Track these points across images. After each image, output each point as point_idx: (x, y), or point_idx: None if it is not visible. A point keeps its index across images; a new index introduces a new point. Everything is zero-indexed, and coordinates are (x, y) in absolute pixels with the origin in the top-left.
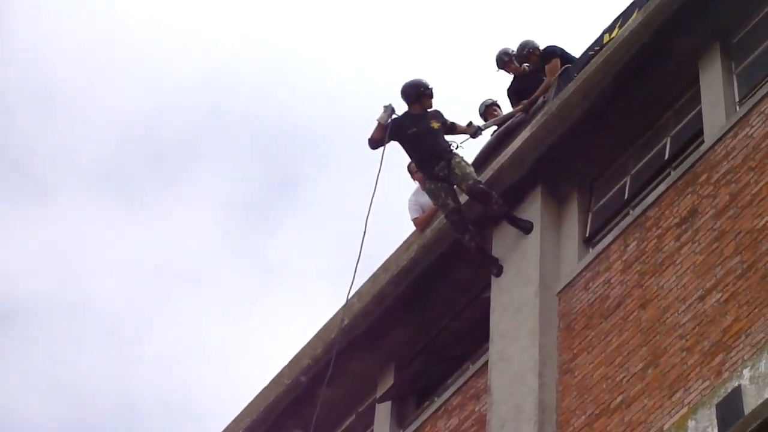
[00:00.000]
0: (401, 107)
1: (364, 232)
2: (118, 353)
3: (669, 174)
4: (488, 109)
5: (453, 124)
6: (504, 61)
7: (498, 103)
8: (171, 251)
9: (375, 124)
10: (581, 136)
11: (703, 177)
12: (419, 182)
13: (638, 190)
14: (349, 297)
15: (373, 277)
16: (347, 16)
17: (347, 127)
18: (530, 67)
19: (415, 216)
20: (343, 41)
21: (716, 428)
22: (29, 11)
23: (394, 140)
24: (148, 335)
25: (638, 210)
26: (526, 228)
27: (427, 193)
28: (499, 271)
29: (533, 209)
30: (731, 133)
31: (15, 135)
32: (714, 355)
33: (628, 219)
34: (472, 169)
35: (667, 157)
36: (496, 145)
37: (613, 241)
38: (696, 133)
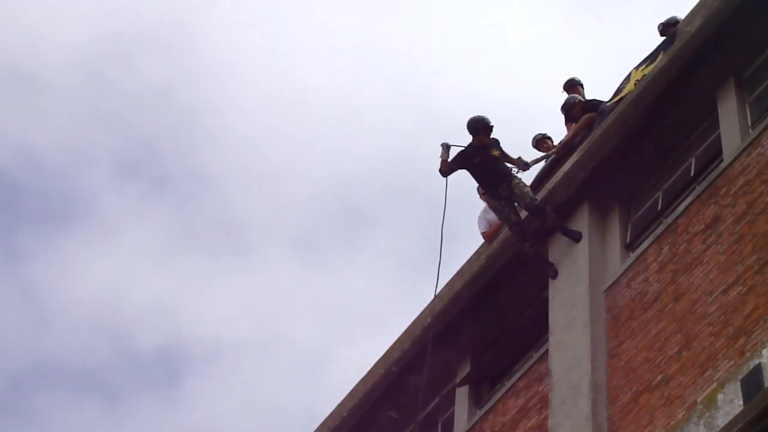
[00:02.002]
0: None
1: (441, 242)
2: (308, 382)
3: (694, 188)
4: (539, 143)
5: (505, 154)
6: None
7: (549, 136)
8: (351, 300)
9: (439, 161)
10: (620, 159)
11: (724, 190)
12: (486, 202)
13: (669, 202)
14: (434, 299)
15: (450, 283)
16: (510, 84)
17: None
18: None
19: (484, 230)
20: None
21: (741, 400)
22: (235, 108)
23: (463, 169)
24: (333, 367)
25: (670, 219)
26: (576, 237)
27: (492, 210)
28: (555, 274)
29: (582, 221)
30: (746, 152)
31: (228, 208)
32: (737, 339)
33: (662, 227)
34: (529, 189)
35: (692, 174)
36: (549, 169)
37: (649, 246)
38: (716, 153)
